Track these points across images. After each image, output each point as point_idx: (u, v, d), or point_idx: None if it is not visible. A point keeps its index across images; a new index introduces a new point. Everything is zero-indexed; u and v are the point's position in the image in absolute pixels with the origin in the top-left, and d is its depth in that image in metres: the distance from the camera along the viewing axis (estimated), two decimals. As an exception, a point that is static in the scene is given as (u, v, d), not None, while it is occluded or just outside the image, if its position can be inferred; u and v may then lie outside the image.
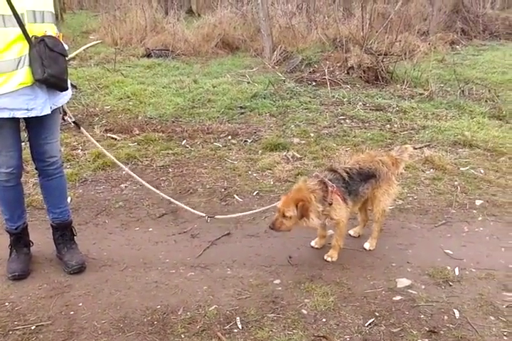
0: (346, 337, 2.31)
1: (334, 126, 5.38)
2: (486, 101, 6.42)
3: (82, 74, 7.64)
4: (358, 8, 10.87)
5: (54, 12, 2.57)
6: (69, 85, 2.70)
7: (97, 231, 3.32)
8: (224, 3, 11.83)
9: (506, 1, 19.65)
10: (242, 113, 5.97)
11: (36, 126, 2.67)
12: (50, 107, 2.55)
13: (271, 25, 9.17)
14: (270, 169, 4.36)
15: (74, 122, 2.90)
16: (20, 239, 2.86)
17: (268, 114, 5.88)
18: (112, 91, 6.68)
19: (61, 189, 2.93)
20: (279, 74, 7.32)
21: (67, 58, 2.62)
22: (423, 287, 2.71)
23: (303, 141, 4.98)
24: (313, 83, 7.10)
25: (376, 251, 3.10)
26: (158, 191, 3.20)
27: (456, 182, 4.05)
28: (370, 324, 2.39)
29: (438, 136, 5.09)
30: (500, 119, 5.67)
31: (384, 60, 7.42)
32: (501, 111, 5.84)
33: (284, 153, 4.68)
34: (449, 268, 2.89)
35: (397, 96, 6.60)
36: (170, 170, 4.35)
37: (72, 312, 2.46)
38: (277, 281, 2.75)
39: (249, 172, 4.32)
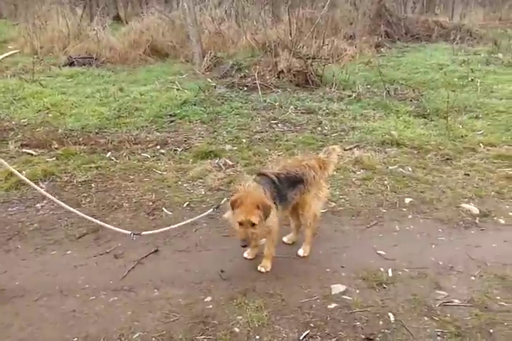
0: (280, 353, 2.19)
1: (266, 131, 5.31)
2: (411, 100, 6.62)
3: (-2, 86, 7.10)
4: (286, 14, 11.02)
5: None
6: None
7: (7, 257, 3.00)
8: (151, 10, 11.52)
9: (425, 5, 20.71)
10: (171, 121, 5.76)
11: None
12: None
13: (200, 31, 9.02)
14: (201, 178, 4.20)
15: None
16: None
17: (199, 121, 5.71)
18: (30, 103, 6.24)
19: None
20: (210, 80, 7.18)
21: None
22: (357, 291, 2.65)
23: (235, 147, 4.86)
24: (245, 88, 7.01)
25: (310, 257, 3.03)
26: (74, 210, 2.93)
27: (385, 182, 4.09)
28: (305, 336, 2.30)
29: (367, 137, 5.15)
30: (425, 117, 5.85)
31: (313, 63, 7.48)
32: (425, 109, 6.03)
33: (216, 161, 4.54)
34: (382, 269, 2.87)
35: (327, 99, 6.66)
36: (92, 185, 4.06)
37: (-27, 355, 2.17)
38: (208, 299, 2.59)
39: (180, 183, 4.13)
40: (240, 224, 2.54)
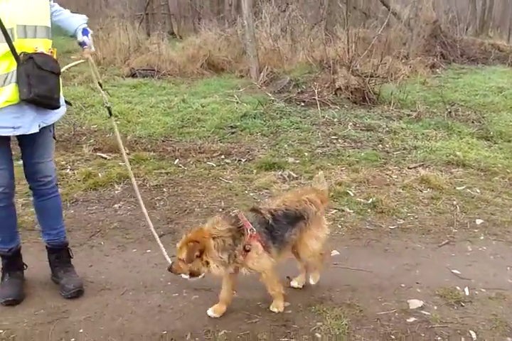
0: (365, 361, 2.22)
1: (327, 146, 5.37)
2: (473, 122, 6.53)
3: (67, 93, 7.47)
4: (340, 32, 11.17)
5: (49, 26, 2.46)
6: (62, 103, 2.59)
7: (92, 253, 3.16)
8: (208, 26, 11.92)
9: (478, 27, 20.50)
10: (232, 132, 5.92)
11: (28, 144, 2.56)
12: (39, 125, 2.45)
13: (257, 47, 9.24)
14: (267, 188, 4.29)
15: (108, 108, 2.80)
16: (13, 262, 2.70)
17: (259, 134, 5.84)
18: (98, 111, 6.55)
19: (56, 209, 2.80)
20: (269, 95, 7.33)
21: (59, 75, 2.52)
22: (435, 308, 2.65)
23: (297, 161, 4.95)
24: (302, 103, 7.11)
25: (383, 271, 3.04)
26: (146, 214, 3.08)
27: (454, 202, 4.05)
28: (387, 347, 2.31)
29: (431, 156, 5.12)
30: (488, 140, 5.76)
31: (370, 81, 7.53)
32: (489, 131, 5.95)
33: (280, 173, 4.63)
34: (458, 288, 2.85)
35: (385, 117, 6.67)
36: (164, 189, 4.23)
37: (73, 339, 2.31)
38: (286, 304, 2.64)
39: (246, 192, 4.24)
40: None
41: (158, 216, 3.73)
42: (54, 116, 2.54)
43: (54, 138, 2.69)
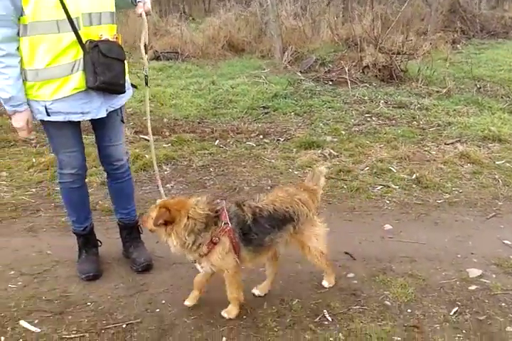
0: (435, 326, 2.34)
1: (363, 124, 5.44)
2: (502, 97, 6.53)
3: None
4: (357, 10, 11.06)
5: (114, 11, 2.45)
6: (128, 86, 2.63)
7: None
8: (227, 6, 11.84)
9: (493, 1, 20.05)
10: (266, 113, 5.99)
11: (99, 127, 2.66)
12: (106, 110, 2.52)
13: (280, 26, 9.20)
14: (310, 166, 4.38)
15: (146, 76, 2.65)
16: (88, 240, 2.85)
17: (293, 114, 5.91)
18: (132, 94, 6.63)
19: (128, 191, 2.93)
20: (299, 74, 7.36)
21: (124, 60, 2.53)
22: (494, 276, 2.76)
23: (335, 139, 5.02)
24: (330, 82, 7.14)
25: (436, 243, 3.15)
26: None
27: (496, 176, 4.13)
28: (454, 313, 2.43)
29: (466, 132, 5.17)
30: (520, 115, 5.78)
31: (396, 58, 7.51)
32: (520, 106, 5.96)
33: (319, 151, 4.72)
34: (512, 257, 2.95)
35: (415, 94, 6.69)
36: (211, 169, 4.35)
37: (157, 310, 2.46)
38: (351, 275, 2.77)
39: (290, 170, 4.34)
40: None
41: (210, 194, 3.85)
42: (121, 100, 2.61)
43: (122, 121, 2.75)
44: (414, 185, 3.98)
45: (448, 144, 4.84)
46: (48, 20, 2.20)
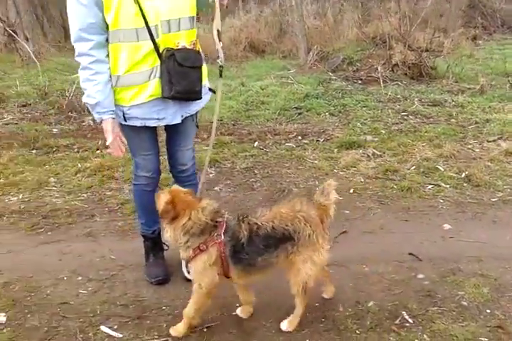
0: (518, 326, 2.31)
1: (401, 123, 5.40)
2: (536, 93, 6.46)
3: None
4: (375, 8, 11.01)
5: (194, 15, 2.40)
6: (206, 91, 2.59)
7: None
8: (246, 7, 11.87)
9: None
10: (299, 113, 5.98)
11: (171, 132, 2.66)
12: (182, 115, 2.51)
13: (304, 26, 9.18)
14: (354, 167, 4.37)
15: (221, 67, 2.56)
16: (156, 244, 2.86)
17: (327, 114, 5.88)
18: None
19: (193, 195, 2.92)
20: (330, 74, 7.33)
21: (203, 67, 2.49)
22: None
23: (375, 138, 4.99)
24: (359, 81, 7.12)
25: (498, 242, 3.11)
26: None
27: (547, 173, 4.08)
28: (536, 313, 2.40)
29: (507, 129, 5.11)
30: (557, 110, 5.71)
31: (425, 56, 7.46)
32: (557, 102, 5.88)
33: (361, 151, 4.70)
34: None
35: (447, 92, 6.64)
36: (255, 171, 4.35)
37: (233, 313, 2.45)
38: (421, 276, 2.75)
39: (335, 171, 4.32)
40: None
41: (260, 197, 3.86)
42: (196, 106, 2.58)
43: (197, 126, 2.73)
44: (465, 184, 3.94)
45: (490, 141, 4.79)
46: (128, 28, 2.20)
